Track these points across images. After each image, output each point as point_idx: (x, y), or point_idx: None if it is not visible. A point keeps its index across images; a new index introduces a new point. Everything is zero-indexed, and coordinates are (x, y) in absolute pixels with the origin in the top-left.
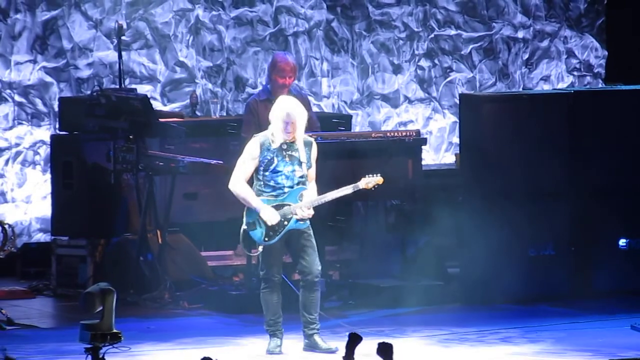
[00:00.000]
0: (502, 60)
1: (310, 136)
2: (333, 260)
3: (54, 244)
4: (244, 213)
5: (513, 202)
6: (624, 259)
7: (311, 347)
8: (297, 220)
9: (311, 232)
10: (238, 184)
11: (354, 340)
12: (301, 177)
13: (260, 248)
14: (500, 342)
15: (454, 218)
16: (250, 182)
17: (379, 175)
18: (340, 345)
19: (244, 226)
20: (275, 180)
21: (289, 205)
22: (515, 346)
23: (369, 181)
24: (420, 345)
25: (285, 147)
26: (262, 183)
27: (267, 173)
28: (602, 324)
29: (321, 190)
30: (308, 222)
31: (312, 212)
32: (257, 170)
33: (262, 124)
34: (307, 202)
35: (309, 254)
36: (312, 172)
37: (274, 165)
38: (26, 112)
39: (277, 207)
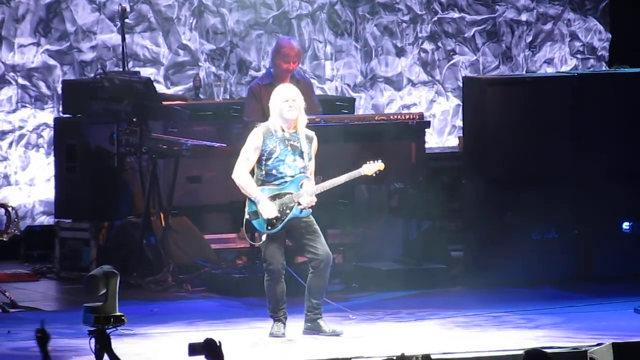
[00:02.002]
0: (505, 43)
1: (313, 119)
2: (336, 244)
3: (58, 227)
4: (247, 202)
5: (516, 185)
6: (628, 242)
7: (314, 330)
8: (300, 208)
9: (312, 218)
10: (240, 174)
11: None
12: (302, 167)
13: (264, 237)
14: (503, 325)
15: (458, 201)
16: (252, 171)
17: (379, 161)
18: (344, 329)
19: (246, 215)
20: (277, 169)
21: (291, 193)
22: (518, 329)
23: (370, 167)
24: (423, 329)
25: (287, 136)
26: (264, 172)
27: (269, 162)
28: (606, 307)
29: (324, 174)
30: (310, 210)
31: (315, 199)
32: (259, 160)
33: (264, 108)
34: (310, 190)
35: (318, 240)
36: (312, 166)
37: (276, 154)
38: (29, 95)
39: (279, 196)
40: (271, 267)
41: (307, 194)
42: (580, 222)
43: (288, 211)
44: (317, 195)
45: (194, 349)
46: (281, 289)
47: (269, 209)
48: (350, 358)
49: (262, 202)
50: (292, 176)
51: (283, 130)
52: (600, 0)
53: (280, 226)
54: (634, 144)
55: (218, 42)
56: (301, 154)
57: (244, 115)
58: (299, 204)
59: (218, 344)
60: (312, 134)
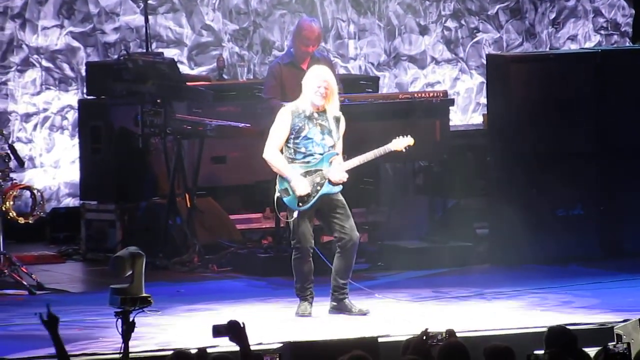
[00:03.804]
0: (528, 20)
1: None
2: (361, 223)
3: (83, 209)
4: (277, 180)
5: (541, 162)
6: None
7: (340, 310)
8: (331, 184)
9: (342, 197)
10: (272, 153)
11: (236, 330)
12: (331, 146)
13: (295, 214)
14: (529, 302)
15: (482, 179)
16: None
17: (409, 136)
18: (370, 307)
19: (277, 193)
20: (307, 146)
21: (321, 170)
22: (544, 306)
23: (399, 142)
24: (449, 307)
25: (316, 115)
26: (292, 150)
27: (297, 140)
28: (632, 283)
29: (348, 152)
30: (341, 186)
31: (346, 175)
32: (287, 138)
33: (284, 87)
34: (340, 166)
35: (346, 221)
36: (340, 146)
37: (305, 132)
38: (53, 77)
39: (309, 173)
40: (299, 245)
41: (337, 170)
42: (605, 198)
43: (319, 188)
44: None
45: (217, 330)
46: (309, 267)
47: (302, 186)
48: (377, 337)
49: (295, 179)
50: (321, 154)
51: (311, 110)
52: None
53: (311, 203)
54: None
55: (241, 22)
56: (330, 133)
57: (263, 92)
58: (330, 180)
59: (242, 325)
60: (339, 114)
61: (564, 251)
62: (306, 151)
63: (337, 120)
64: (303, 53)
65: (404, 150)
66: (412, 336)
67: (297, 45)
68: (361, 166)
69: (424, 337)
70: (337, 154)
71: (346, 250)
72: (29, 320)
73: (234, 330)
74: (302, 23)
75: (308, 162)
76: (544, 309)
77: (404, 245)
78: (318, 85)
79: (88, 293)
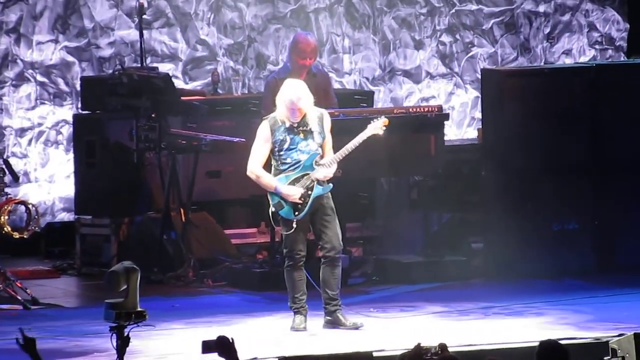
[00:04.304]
0: (523, 35)
1: (332, 113)
2: (356, 237)
3: (78, 223)
4: (268, 196)
5: (536, 176)
6: None
7: (333, 324)
8: (320, 184)
9: (333, 205)
10: (255, 169)
11: (226, 345)
12: (316, 149)
13: (294, 224)
14: (523, 316)
15: (477, 193)
16: (268, 163)
17: (383, 117)
18: (363, 320)
19: (271, 208)
20: (292, 156)
21: (307, 174)
22: (539, 321)
23: (375, 125)
24: (443, 321)
25: (295, 124)
26: (279, 162)
27: (282, 152)
28: (627, 297)
29: (344, 167)
30: (331, 185)
31: (330, 171)
32: (272, 151)
33: None
34: (325, 160)
35: (330, 228)
36: (328, 143)
37: (287, 143)
38: (48, 91)
39: (297, 180)
40: (290, 254)
41: (321, 168)
42: (600, 212)
43: (310, 192)
44: (337, 185)
45: (207, 346)
46: (300, 276)
47: (293, 190)
48: (372, 351)
49: (282, 187)
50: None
51: (291, 121)
52: None
53: (306, 208)
54: None
55: (236, 36)
56: (313, 136)
57: (262, 109)
58: (318, 181)
59: (231, 341)
60: (321, 112)
61: (559, 265)
62: (292, 161)
63: (320, 118)
64: (300, 67)
65: (381, 132)
66: (406, 351)
67: (294, 58)
68: (356, 181)
69: (418, 352)
70: (320, 154)
71: (329, 259)
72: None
73: (223, 346)
74: (298, 36)
75: (294, 169)
76: (538, 323)
77: (399, 259)
78: (291, 107)
79: (83, 308)
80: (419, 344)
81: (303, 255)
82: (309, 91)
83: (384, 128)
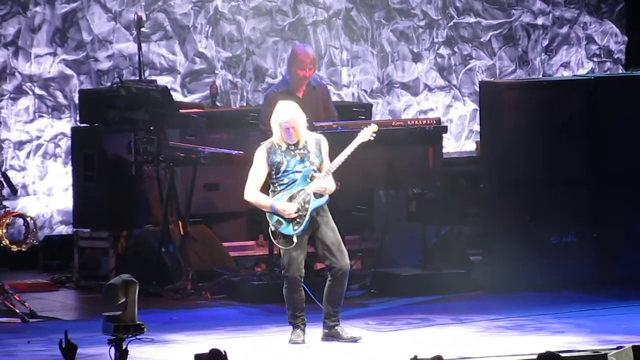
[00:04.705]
0: (521, 47)
1: (330, 126)
2: (355, 250)
3: (76, 236)
4: (267, 216)
5: (534, 189)
6: None
7: (332, 337)
8: (316, 197)
9: (333, 224)
10: (251, 193)
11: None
12: (314, 170)
13: (295, 239)
14: (523, 329)
15: (476, 206)
16: (266, 188)
17: (371, 124)
18: (361, 333)
19: (271, 227)
20: (289, 177)
21: (303, 189)
22: (537, 334)
23: (365, 133)
24: (442, 334)
25: (292, 147)
26: (276, 184)
27: (279, 175)
28: (625, 309)
29: (343, 180)
30: (327, 197)
31: (326, 181)
32: (269, 175)
33: None
34: (320, 174)
35: (336, 248)
36: (326, 166)
37: (284, 166)
38: (47, 104)
39: (294, 197)
40: (287, 275)
41: (317, 181)
42: (599, 225)
43: (307, 205)
44: (335, 199)
45: (199, 359)
46: (299, 296)
47: (289, 206)
48: None
49: (277, 204)
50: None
51: (287, 144)
52: (616, 3)
53: (305, 223)
54: None
55: (234, 49)
56: (309, 158)
57: (261, 122)
58: (314, 193)
59: (223, 353)
60: (319, 137)
61: (558, 278)
62: (288, 181)
63: (318, 143)
64: (299, 79)
65: (371, 138)
66: None
67: (294, 70)
68: (355, 193)
69: None
70: (313, 169)
71: (336, 278)
72: (21, 348)
73: (216, 359)
74: (296, 48)
75: (290, 189)
76: (537, 336)
77: (397, 272)
78: (286, 127)
79: (81, 321)
80: (415, 357)
81: (301, 276)
82: (301, 111)
83: (374, 135)
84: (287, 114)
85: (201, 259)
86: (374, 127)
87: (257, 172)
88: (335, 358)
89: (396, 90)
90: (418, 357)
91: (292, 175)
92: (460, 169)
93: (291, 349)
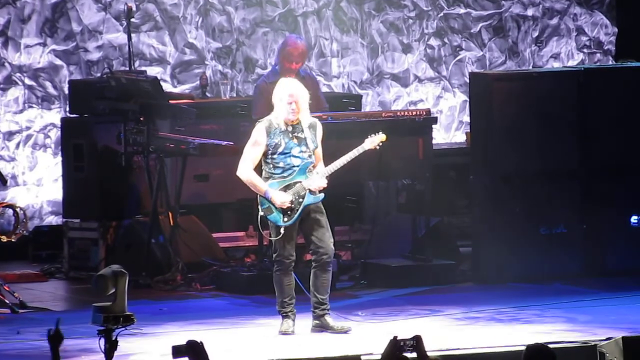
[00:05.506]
0: (511, 39)
1: (320, 117)
2: (344, 241)
3: (66, 227)
4: (258, 200)
5: (524, 180)
6: (636, 236)
7: (322, 327)
8: (312, 193)
9: (323, 209)
10: (245, 171)
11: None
12: (309, 156)
13: (282, 230)
14: (512, 320)
15: (465, 197)
16: (258, 167)
17: (380, 132)
18: (351, 324)
19: (260, 213)
20: (284, 161)
21: (300, 182)
22: (528, 325)
23: (372, 140)
24: (431, 325)
25: (291, 129)
26: (271, 166)
27: (275, 156)
28: (615, 300)
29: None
30: (323, 195)
31: (325, 181)
32: (265, 155)
33: (272, 106)
34: (320, 170)
35: (322, 232)
36: (319, 153)
37: (281, 147)
38: (36, 95)
39: (289, 187)
40: (280, 258)
41: (316, 178)
42: (588, 216)
43: (301, 200)
44: (326, 189)
45: (177, 350)
46: (289, 281)
47: (282, 196)
48: (360, 355)
49: (272, 193)
50: (299, 166)
51: (286, 124)
52: None
53: (296, 216)
54: None
55: (224, 40)
56: (306, 143)
57: (253, 113)
58: (310, 190)
59: (200, 344)
60: (315, 121)
61: (547, 269)
62: (285, 165)
63: (313, 127)
64: (287, 70)
65: (377, 147)
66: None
67: (282, 61)
68: (345, 185)
69: (394, 345)
70: (313, 163)
71: (321, 263)
72: (11, 338)
73: (194, 350)
74: (287, 39)
75: (286, 176)
76: (528, 327)
77: (387, 263)
78: (288, 102)
79: (71, 311)
80: (395, 337)
81: (292, 259)
82: (305, 90)
83: (381, 144)
84: (292, 88)
85: (191, 250)
86: (382, 137)
87: (253, 150)
88: (325, 349)
89: (386, 81)
90: (398, 338)
91: (289, 160)
92: (450, 160)
93: (281, 340)
